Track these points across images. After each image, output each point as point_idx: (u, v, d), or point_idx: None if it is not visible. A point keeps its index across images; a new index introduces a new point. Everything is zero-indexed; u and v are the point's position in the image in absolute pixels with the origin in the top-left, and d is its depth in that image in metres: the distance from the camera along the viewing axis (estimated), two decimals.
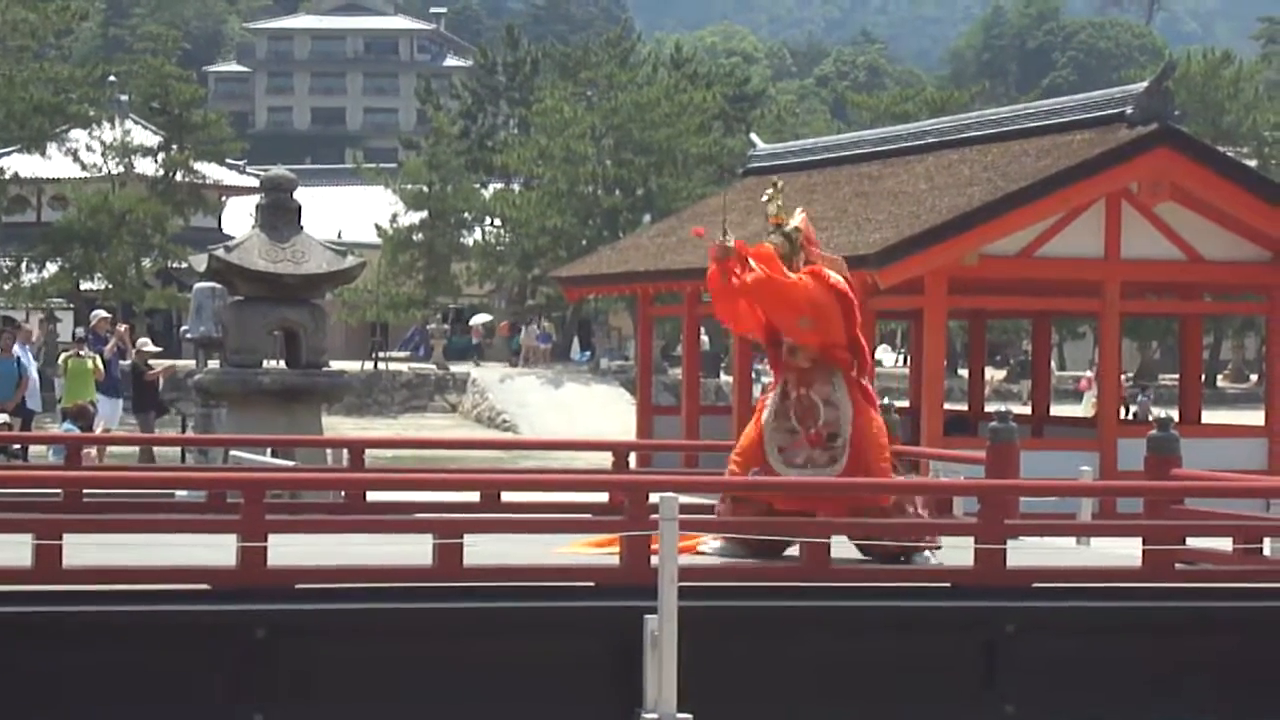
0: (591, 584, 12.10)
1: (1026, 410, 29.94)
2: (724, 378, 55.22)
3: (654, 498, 11.82)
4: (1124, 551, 13.71)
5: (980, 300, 27.09)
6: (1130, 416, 37.99)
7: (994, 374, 61.77)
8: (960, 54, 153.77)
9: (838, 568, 12.54)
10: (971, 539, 12.72)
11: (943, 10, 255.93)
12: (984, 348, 33.71)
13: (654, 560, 11.55)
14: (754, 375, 31.94)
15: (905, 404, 27.01)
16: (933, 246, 23.06)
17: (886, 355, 71.11)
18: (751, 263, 13.54)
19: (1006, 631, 12.43)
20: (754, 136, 39.31)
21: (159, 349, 34.01)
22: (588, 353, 69.23)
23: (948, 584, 12.71)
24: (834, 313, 13.45)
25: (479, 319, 74.35)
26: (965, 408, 30.23)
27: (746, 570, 12.80)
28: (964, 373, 42.17)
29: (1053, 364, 40.63)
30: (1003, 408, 16.86)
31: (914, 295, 24.01)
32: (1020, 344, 70.00)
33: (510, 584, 11.96)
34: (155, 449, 28.86)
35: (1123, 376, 37.58)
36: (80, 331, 31.21)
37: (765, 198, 14.08)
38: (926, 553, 13.27)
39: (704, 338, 45.63)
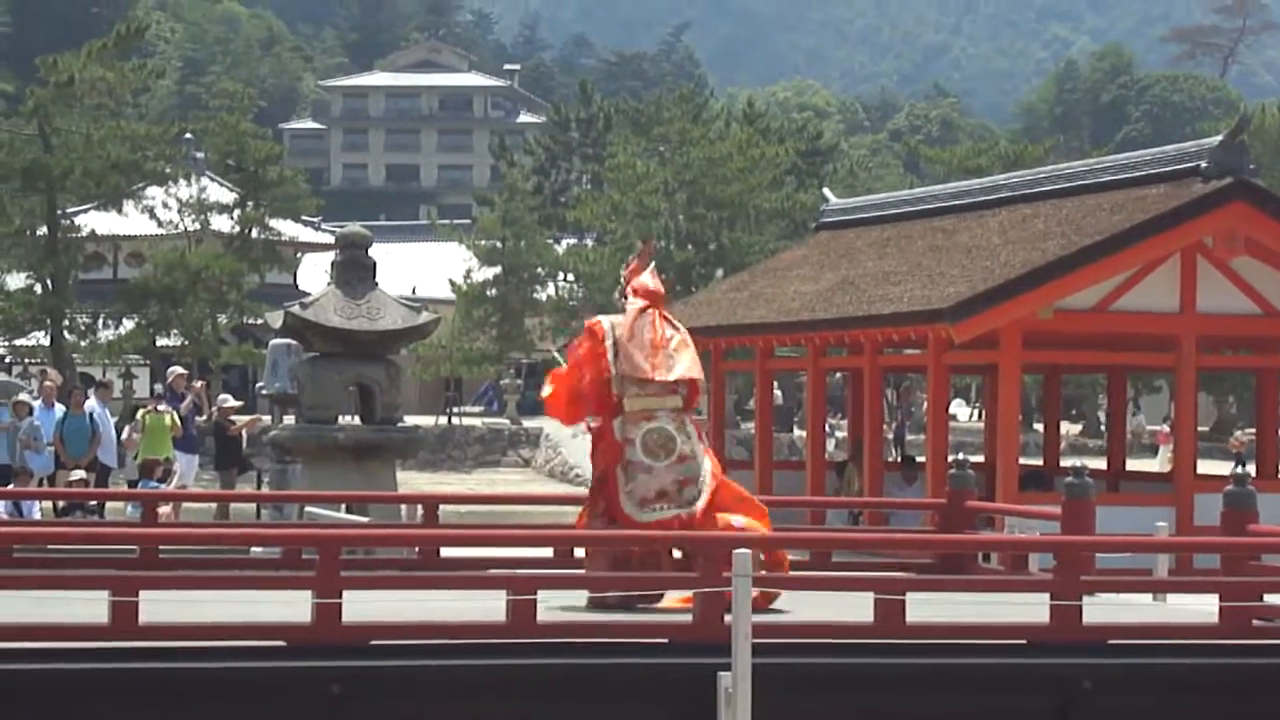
0: (665, 640, 12.08)
1: (1102, 465, 29.74)
2: (797, 432, 55.08)
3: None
4: (1201, 608, 13.62)
5: (1055, 355, 26.96)
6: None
7: (1069, 428, 61.43)
8: (1033, 108, 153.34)
9: (913, 625, 12.48)
10: (1047, 595, 12.64)
11: (1015, 64, 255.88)
12: (1059, 402, 33.54)
13: (728, 617, 11.52)
14: (828, 430, 31.87)
15: (979, 459, 26.91)
16: (1007, 301, 22.96)
17: (961, 410, 70.83)
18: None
19: (1083, 688, 12.34)
20: (827, 191, 39.27)
21: (239, 403, 34.16)
22: None
23: (1023, 640, 12.63)
24: (585, 359, 14.06)
25: None
26: (1040, 463, 30.05)
27: (821, 627, 12.75)
28: (1039, 427, 41.95)
29: (1133, 417, 40.37)
30: (1078, 462, 16.77)
31: (988, 350, 23.92)
32: (1095, 399, 69.60)
33: (584, 640, 11.95)
34: (231, 505, 28.97)
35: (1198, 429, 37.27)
36: (158, 388, 31.39)
37: (640, 251, 15.19)
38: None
39: (777, 392, 45.54)
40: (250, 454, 33.08)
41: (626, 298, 14.41)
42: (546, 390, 14.33)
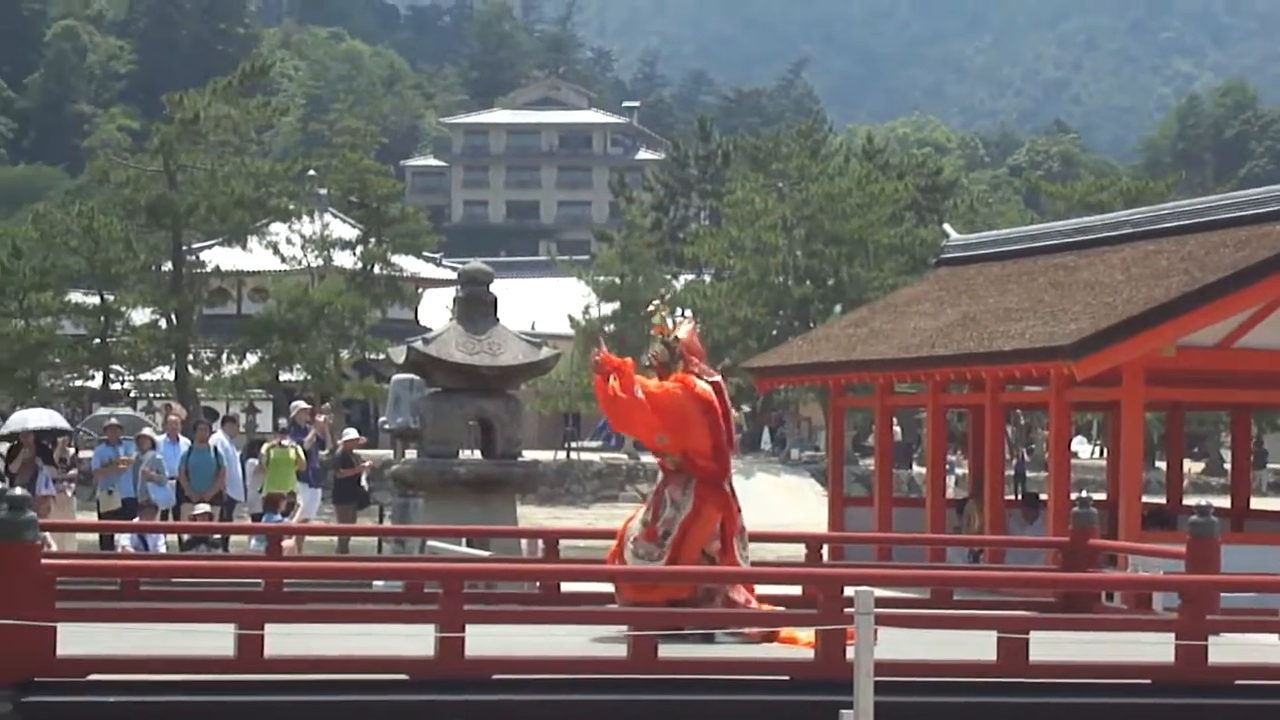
0: (786, 678, 12.07)
1: (1225, 503, 29.44)
2: (916, 469, 54.87)
3: (849, 591, 11.77)
4: None
5: (1177, 392, 26.71)
6: None
7: (1192, 466, 60.85)
8: (1155, 143, 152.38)
9: (1037, 664, 12.40)
10: (1172, 635, 12.53)
11: (1137, 99, 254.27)
12: (1182, 440, 33.24)
13: (849, 654, 11.50)
14: (948, 467, 31.71)
15: (1102, 497, 26.70)
16: (1129, 338, 22.78)
17: (1082, 447, 70.29)
18: (612, 379, 14.26)
19: None
20: (947, 227, 39.11)
21: (364, 438, 34.39)
22: (776, 444, 69.10)
23: (1148, 680, 12.53)
24: (696, 422, 14.20)
25: None
26: (1163, 501, 29.78)
27: (944, 666, 12.69)
28: (1161, 465, 41.60)
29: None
30: (1202, 501, 16.61)
31: (1110, 387, 23.73)
32: (1218, 436, 68.92)
33: (705, 677, 11.95)
34: (352, 539, 29.12)
35: None
36: (282, 422, 31.65)
37: (651, 308, 14.98)
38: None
39: (896, 428, 45.41)
40: (372, 488, 33.27)
41: (684, 359, 14.55)
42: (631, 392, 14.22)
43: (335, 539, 29.28)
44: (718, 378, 14.74)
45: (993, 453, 25.62)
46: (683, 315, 15.32)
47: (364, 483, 31.56)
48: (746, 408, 68.46)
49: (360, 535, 25.92)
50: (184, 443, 29.46)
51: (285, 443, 29.82)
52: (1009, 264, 28.38)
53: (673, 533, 14.11)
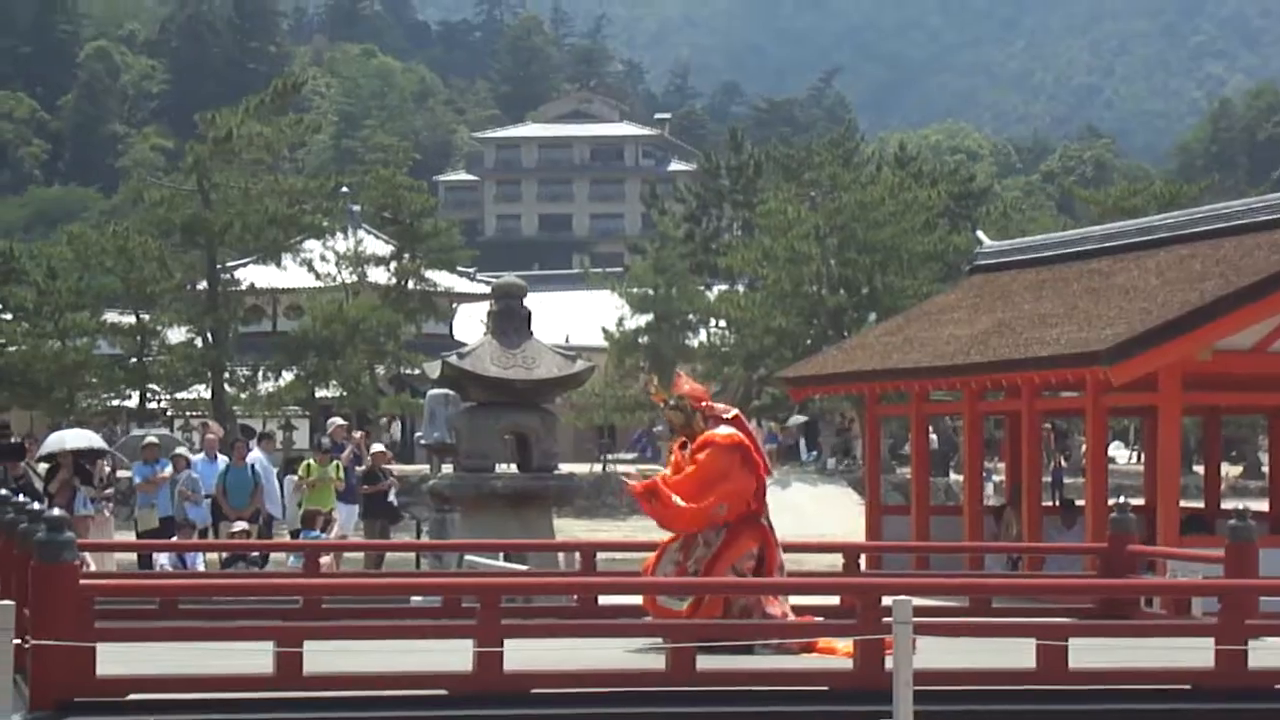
0: (825, 688, 12.05)
1: (1264, 507, 29.32)
2: (953, 476, 54.75)
3: (887, 600, 11.75)
4: None
5: (1214, 396, 26.62)
6: None
7: (1230, 471, 60.60)
8: (1188, 147, 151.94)
9: (1076, 670, 12.37)
10: (1211, 640, 12.49)
11: (1169, 104, 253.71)
12: (1219, 444, 33.11)
13: (888, 663, 11.48)
14: (985, 474, 31.63)
15: (1140, 502, 26.61)
16: (1165, 343, 22.72)
17: (1120, 452, 70.09)
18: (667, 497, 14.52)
19: None
20: (980, 233, 39.05)
21: (389, 453, 34.35)
22: (814, 452, 69.03)
23: (1188, 686, 12.48)
24: (739, 472, 14.49)
25: None
26: (1201, 505, 29.68)
27: (983, 674, 12.66)
28: (1198, 469, 41.47)
29: None
30: (1240, 505, 16.56)
31: (1147, 392, 23.67)
32: (1256, 440, 68.65)
33: (744, 689, 11.94)
34: (388, 555, 29.05)
35: None
36: (323, 440, 31.63)
37: (643, 384, 15.76)
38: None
39: (932, 436, 45.29)
40: (408, 503, 33.23)
41: (697, 411, 14.85)
42: (671, 502, 14.53)
43: (364, 555, 29.20)
44: (734, 411, 15.02)
45: (1030, 460, 25.57)
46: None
47: (392, 498, 31.46)
48: (803, 416, 68.02)
49: (396, 550, 25.91)
50: (222, 460, 29.51)
51: (320, 459, 29.76)
52: (1043, 270, 28.33)
53: (700, 571, 14.38)
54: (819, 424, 70.49)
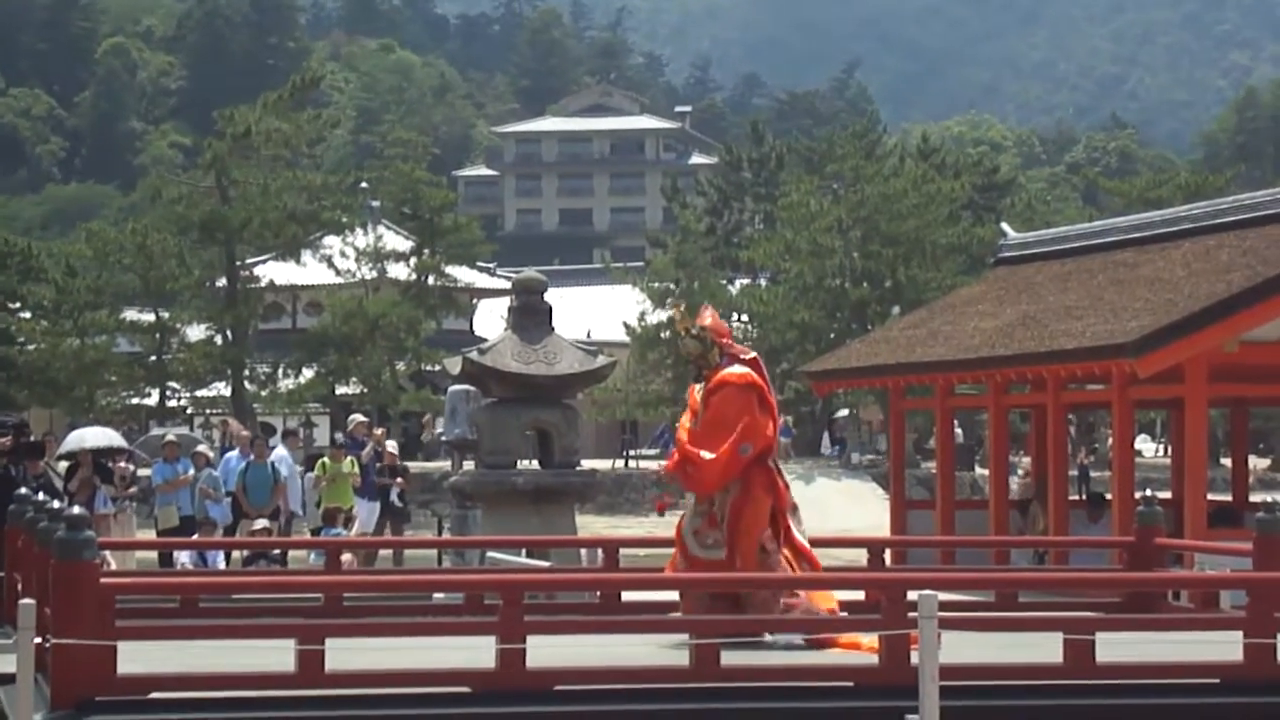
0: (850, 684, 11.96)
1: None
2: (979, 470, 54.60)
3: (912, 595, 11.66)
4: None
5: (1241, 388, 26.49)
6: None
7: (1257, 463, 60.39)
8: (1214, 137, 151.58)
9: (1104, 665, 12.27)
10: (1240, 633, 12.38)
11: (1194, 94, 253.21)
12: (1246, 436, 32.96)
13: (914, 658, 11.39)
14: (1010, 467, 31.49)
15: (1167, 495, 26.49)
16: (1192, 334, 22.59)
17: (1146, 445, 69.88)
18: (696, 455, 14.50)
19: None
20: (1004, 225, 38.85)
21: (394, 450, 34.23)
22: (838, 447, 68.89)
23: (1216, 680, 12.38)
24: (757, 411, 14.51)
25: None
26: (1229, 498, 29.54)
27: (1010, 668, 12.56)
28: (1226, 462, 41.31)
29: None
30: (1268, 497, 16.43)
31: (1173, 384, 23.54)
32: None
33: (768, 684, 11.85)
34: (409, 551, 28.95)
35: None
36: (339, 436, 31.59)
37: (672, 315, 15.81)
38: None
39: (957, 430, 45.17)
40: (429, 499, 33.18)
41: (716, 345, 14.87)
42: (702, 457, 14.44)
43: (373, 552, 29.06)
44: (753, 354, 15.03)
45: (1056, 453, 25.45)
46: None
47: (394, 499, 31.27)
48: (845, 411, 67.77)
49: (418, 548, 25.84)
50: (238, 458, 29.49)
51: (336, 455, 29.69)
52: (1068, 262, 28.20)
53: (727, 515, 14.29)
54: (843, 419, 70.35)
